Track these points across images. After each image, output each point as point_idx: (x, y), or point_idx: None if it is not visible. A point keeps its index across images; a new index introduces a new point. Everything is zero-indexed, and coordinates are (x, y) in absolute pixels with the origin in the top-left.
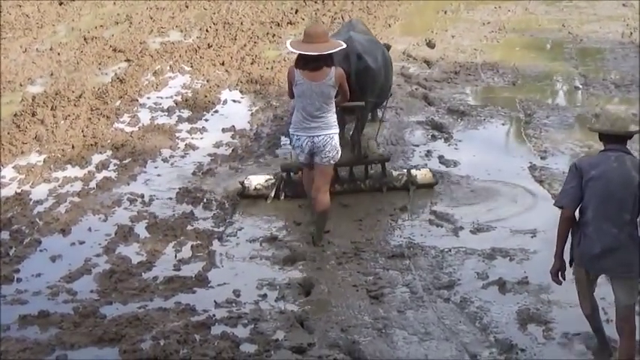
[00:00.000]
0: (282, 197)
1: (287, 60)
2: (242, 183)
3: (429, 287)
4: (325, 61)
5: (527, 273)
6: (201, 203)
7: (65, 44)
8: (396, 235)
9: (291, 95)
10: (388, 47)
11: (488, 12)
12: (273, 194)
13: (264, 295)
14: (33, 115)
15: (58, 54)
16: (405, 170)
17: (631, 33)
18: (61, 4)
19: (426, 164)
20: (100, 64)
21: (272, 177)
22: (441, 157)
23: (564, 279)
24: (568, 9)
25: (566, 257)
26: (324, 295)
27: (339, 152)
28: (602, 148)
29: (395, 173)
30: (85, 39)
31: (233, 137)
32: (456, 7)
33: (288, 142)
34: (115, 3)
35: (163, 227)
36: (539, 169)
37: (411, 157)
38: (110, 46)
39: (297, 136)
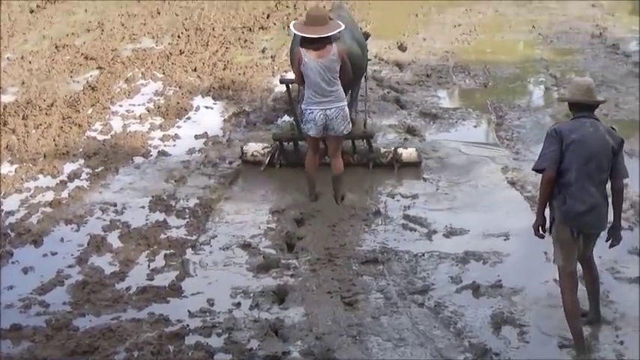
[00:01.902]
0: (278, 166)
1: (259, 65)
2: (241, 148)
3: (403, 292)
4: (327, 39)
5: (500, 276)
6: (175, 211)
7: (36, 52)
8: (369, 240)
9: (299, 79)
10: (367, 35)
11: (459, 14)
12: (267, 161)
13: (238, 304)
14: (4, 124)
15: (30, 62)
16: (392, 148)
17: (600, 33)
18: (32, 12)
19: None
20: (71, 72)
21: (269, 145)
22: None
23: (545, 232)
24: (538, 10)
25: None
26: (298, 303)
27: (350, 123)
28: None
29: (382, 150)
30: (56, 47)
31: (206, 144)
32: (427, 9)
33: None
34: (86, 10)
35: (136, 236)
36: (512, 171)
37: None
38: (82, 54)
39: (309, 110)
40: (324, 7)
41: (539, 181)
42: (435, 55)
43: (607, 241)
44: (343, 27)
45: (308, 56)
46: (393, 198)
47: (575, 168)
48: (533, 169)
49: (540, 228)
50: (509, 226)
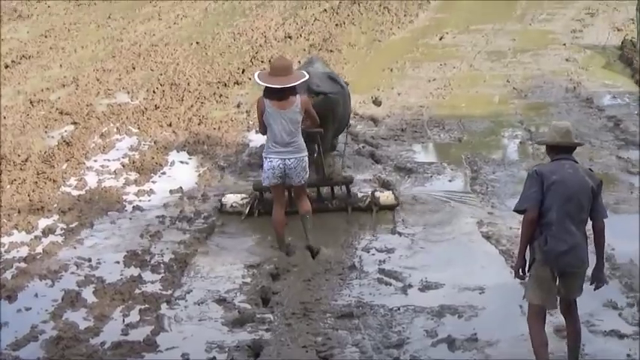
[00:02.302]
0: (257, 214)
1: (234, 120)
2: (220, 200)
3: (379, 346)
4: (290, 90)
5: (476, 330)
6: (149, 266)
7: (11, 108)
8: (344, 294)
9: (262, 128)
10: (346, 84)
11: (434, 69)
12: (247, 211)
13: (213, 359)
14: None
15: (4, 117)
16: (370, 192)
17: (574, 87)
18: (6, 67)
19: (379, 224)
20: (46, 127)
21: (247, 196)
22: (391, 215)
23: (525, 274)
24: (512, 65)
25: None
26: (273, 357)
27: (308, 173)
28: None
29: (360, 194)
30: (31, 102)
31: (181, 199)
32: (402, 64)
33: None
34: (61, 66)
35: (111, 291)
36: (487, 225)
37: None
38: (57, 109)
39: (269, 159)
40: (299, 62)
41: (521, 223)
42: (410, 109)
43: (591, 284)
44: (307, 77)
45: (271, 106)
46: (369, 252)
47: (556, 208)
48: (514, 210)
49: (521, 270)
50: (484, 279)
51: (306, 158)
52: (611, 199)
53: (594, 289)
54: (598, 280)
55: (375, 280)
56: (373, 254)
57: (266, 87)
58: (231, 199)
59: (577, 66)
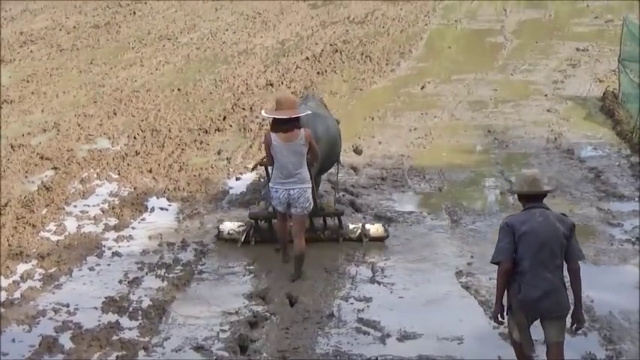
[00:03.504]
0: (253, 242)
1: (214, 167)
2: (217, 227)
3: None
4: (294, 123)
5: None
6: (127, 312)
7: None
8: (322, 343)
9: (269, 160)
10: (337, 122)
11: (415, 118)
12: (243, 239)
13: None
14: None
15: None
16: (360, 224)
17: (555, 138)
18: None
19: (358, 273)
20: (26, 171)
21: (243, 224)
22: (370, 264)
23: (503, 319)
24: (494, 115)
25: None
26: None
27: (312, 203)
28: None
29: (351, 226)
30: (12, 147)
31: (160, 245)
32: (383, 113)
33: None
34: (42, 111)
35: (88, 338)
36: (466, 275)
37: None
38: (37, 154)
39: (275, 188)
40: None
41: (496, 273)
42: (391, 158)
43: (571, 326)
44: (310, 112)
45: (277, 140)
46: (347, 301)
47: (528, 257)
48: (491, 262)
49: (499, 315)
50: (463, 330)
51: (310, 189)
52: (591, 251)
53: (575, 331)
54: (578, 321)
55: (354, 330)
56: (352, 303)
57: (273, 119)
58: (228, 226)
59: (558, 117)
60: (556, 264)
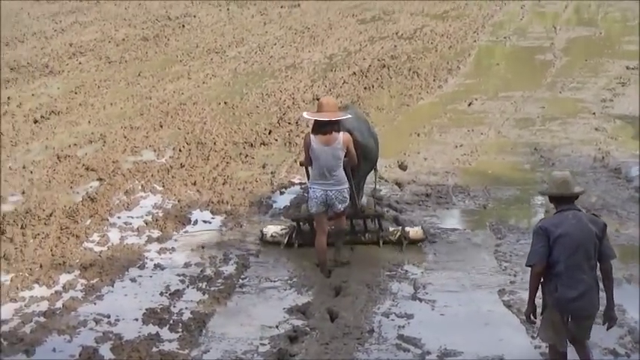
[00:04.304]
0: (296, 245)
1: (259, 181)
2: (261, 231)
3: None
4: (333, 126)
5: None
6: (168, 325)
7: (38, 162)
8: (362, 359)
9: (306, 161)
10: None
11: (461, 135)
12: (285, 241)
13: None
14: (2, 233)
15: (31, 172)
16: (400, 227)
17: (603, 157)
18: (35, 122)
19: (400, 289)
20: (72, 182)
21: (286, 227)
22: (412, 280)
23: (536, 318)
24: (540, 132)
25: None
26: None
27: (348, 202)
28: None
29: (391, 229)
30: (58, 157)
31: (202, 258)
32: (429, 129)
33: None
34: (89, 122)
35: (128, 349)
36: (508, 294)
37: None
38: (83, 165)
39: (313, 188)
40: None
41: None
42: (436, 174)
43: (603, 324)
44: (350, 116)
45: (316, 142)
46: (388, 317)
47: (563, 260)
48: (526, 265)
49: (532, 315)
50: (503, 349)
51: (347, 190)
52: (637, 272)
53: (607, 329)
54: (610, 319)
55: (394, 346)
56: (392, 319)
57: (314, 122)
58: (272, 229)
59: (606, 135)
60: (590, 265)
